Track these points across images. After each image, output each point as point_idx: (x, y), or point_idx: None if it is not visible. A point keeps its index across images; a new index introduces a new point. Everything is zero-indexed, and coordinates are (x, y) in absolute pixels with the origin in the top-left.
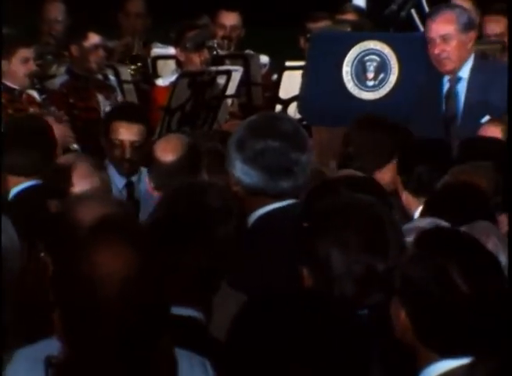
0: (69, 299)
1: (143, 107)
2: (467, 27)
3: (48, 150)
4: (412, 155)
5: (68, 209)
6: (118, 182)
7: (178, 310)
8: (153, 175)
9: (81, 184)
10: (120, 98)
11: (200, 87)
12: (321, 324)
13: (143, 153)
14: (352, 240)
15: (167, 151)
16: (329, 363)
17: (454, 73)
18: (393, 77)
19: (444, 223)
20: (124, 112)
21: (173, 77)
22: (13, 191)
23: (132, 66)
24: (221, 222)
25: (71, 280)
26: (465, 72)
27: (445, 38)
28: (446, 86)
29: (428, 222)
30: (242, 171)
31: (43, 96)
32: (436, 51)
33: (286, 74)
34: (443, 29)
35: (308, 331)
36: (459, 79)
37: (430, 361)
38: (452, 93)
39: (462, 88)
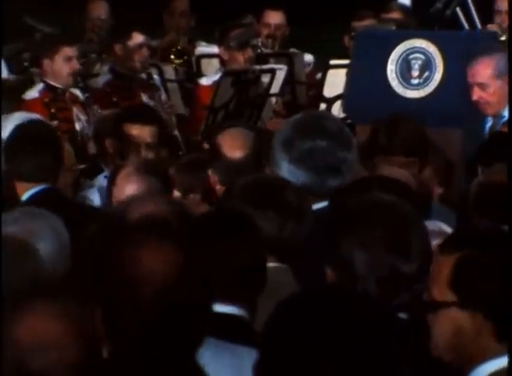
0: (110, 298)
1: (154, 109)
2: (505, 71)
3: (57, 154)
4: None
5: (117, 209)
6: None
7: (221, 308)
8: (218, 171)
9: (125, 186)
10: (164, 97)
11: (243, 85)
12: (350, 321)
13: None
14: (376, 240)
15: (235, 148)
16: (355, 360)
17: (497, 113)
18: (438, 76)
19: (445, 226)
20: (136, 114)
21: (217, 76)
22: (25, 195)
23: (177, 61)
24: (291, 219)
25: (113, 278)
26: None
27: (482, 86)
28: (490, 123)
29: (433, 225)
30: (288, 171)
31: (86, 95)
32: (475, 97)
33: (331, 73)
34: (480, 77)
35: (337, 328)
36: (502, 117)
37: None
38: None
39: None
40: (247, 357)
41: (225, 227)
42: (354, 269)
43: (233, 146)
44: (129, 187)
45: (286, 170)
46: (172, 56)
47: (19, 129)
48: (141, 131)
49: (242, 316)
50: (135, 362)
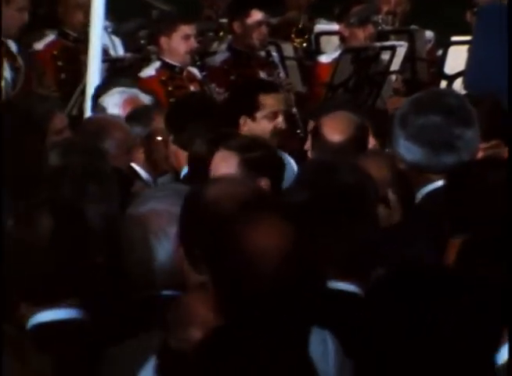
0: (226, 277)
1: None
2: None
3: None
4: None
5: (204, 190)
6: None
7: (338, 285)
8: (317, 151)
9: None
10: (282, 75)
11: (363, 63)
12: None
13: None
14: None
15: (336, 130)
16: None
17: None
18: None
19: None
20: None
21: (336, 54)
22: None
23: (298, 40)
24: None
25: (227, 257)
26: None
27: None
28: None
29: None
30: (404, 148)
31: (203, 73)
32: None
33: (452, 49)
34: None
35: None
36: None
37: None
38: None
39: None
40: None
41: (343, 203)
42: None
43: (335, 128)
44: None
45: (402, 146)
46: (293, 35)
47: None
48: (277, 100)
49: (356, 293)
50: (249, 337)
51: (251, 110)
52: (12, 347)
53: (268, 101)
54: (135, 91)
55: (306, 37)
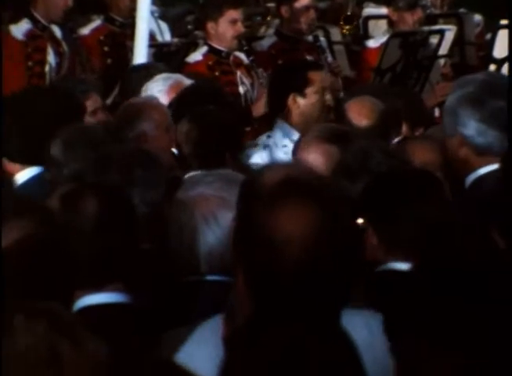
0: (253, 263)
1: None
2: None
3: None
4: None
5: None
6: None
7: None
8: None
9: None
10: (330, 59)
11: (411, 47)
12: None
13: None
14: None
15: (362, 115)
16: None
17: None
18: None
19: None
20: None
21: (384, 38)
22: None
23: (347, 27)
24: None
25: (255, 243)
26: None
27: None
28: None
29: None
30: (476, 130)
31: (250, 58)
32: None
33: (501, 33)
34: None
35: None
36: None
37: None
38: None
39: None
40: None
41: (415, 185)
42: None
43: (360, 113)
44: (309, 156)
45: (474, 129)
46: (342, 23)
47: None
48: (325, 77)
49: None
50: (277, 324)
51: (301, 86)
52: (68, 332)
53: (317, 77)
54: (179, 76)
55: (355, 23)
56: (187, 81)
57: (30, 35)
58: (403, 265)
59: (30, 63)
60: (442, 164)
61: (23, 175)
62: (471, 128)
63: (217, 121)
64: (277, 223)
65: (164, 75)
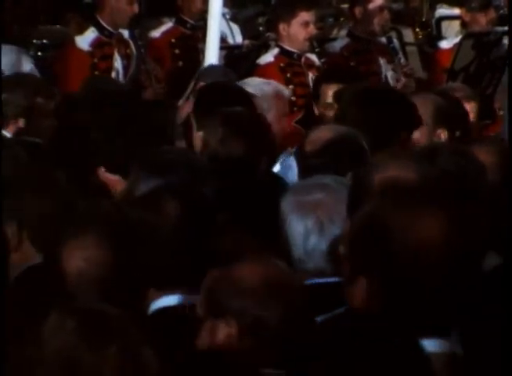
0: (389, 266)
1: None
2: None
3: None
4: None
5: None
6: None
7: None
8: None
9: None
10: (403, 61)
11: (485, 48)
12: None
13: None
14: None
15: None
16: None
17: None
18: None
19: None
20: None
21: (457, 39)
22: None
23: (421, 32)
24: None
25: (388, 248)
26: None
27: None
28: None
29: None
30: None
31: (322, 60)
32: None
33: None
34: None
35: None
36: None
37: None
38: None
39: None
40: None
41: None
42: None
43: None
44: None
45: None
46: (417, 29)
47: None
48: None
49: None
50: (410, 321)
51: None
52: (121, 338)
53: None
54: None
55: (429, 30)
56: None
57: (96, 43)
58: None
59: (96, 73)
60: (502, 166)
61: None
62: None
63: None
64: (417, 227)
65: (254, 79)
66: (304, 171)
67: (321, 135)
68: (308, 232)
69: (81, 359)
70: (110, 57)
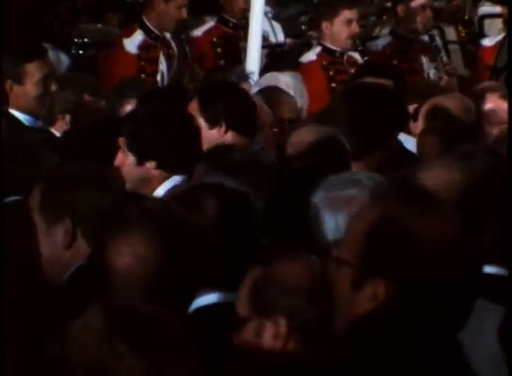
0: (403, 268)
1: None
2: None
3: None
4: None
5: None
6: None
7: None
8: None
9: None
10: (445, 59)
11: None
12: None
13: None
14: None
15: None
16: None
17: None
18: None
19: None
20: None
21: (500, 36)
22: None
23: (464, 31)
24: None
25: (405, 249)
26: None
27: None
28: None
29: None
30: None
31: (365, 58)
32: None
33: None
34: None
35: None
36: None
37: None
38: None
39: None
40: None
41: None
42: None
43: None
44: None
45: None
46: (460, 27)
47: None
48: None
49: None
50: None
51: None
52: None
53: None
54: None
55: (472, 28)
56: None
57: (143, 46)
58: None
59: (142, 76)
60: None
61: (168, 183)
62: None
63: None
64: (441, 229)
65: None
66: (286, 174)
67: (303, 137)
68: (339, 228)
69: (104, 360)
70: (156, 60)
